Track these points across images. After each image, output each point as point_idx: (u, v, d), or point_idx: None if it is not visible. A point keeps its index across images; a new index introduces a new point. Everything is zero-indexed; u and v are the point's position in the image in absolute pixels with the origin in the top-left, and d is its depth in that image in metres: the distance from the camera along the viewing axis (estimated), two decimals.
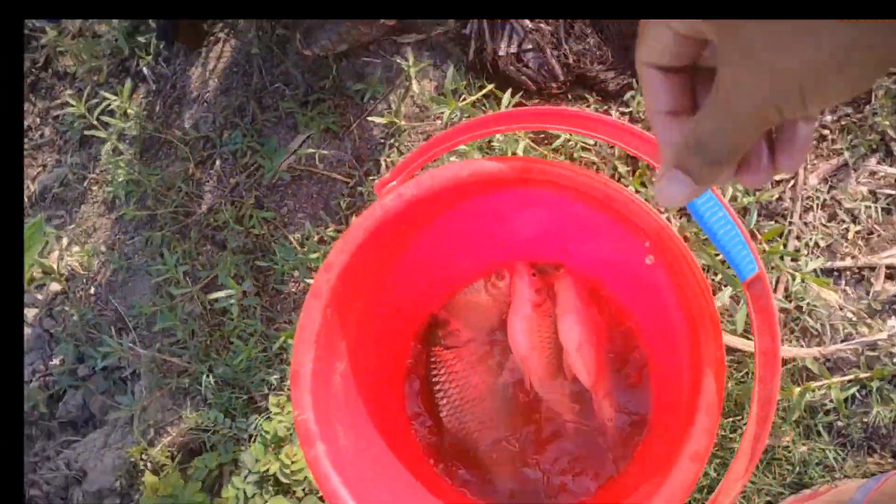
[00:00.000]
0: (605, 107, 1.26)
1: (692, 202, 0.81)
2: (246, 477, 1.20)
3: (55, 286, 1.42)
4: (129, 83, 1.50)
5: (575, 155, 1.22)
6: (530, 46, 1.25)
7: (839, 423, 1.10)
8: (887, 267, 1.13)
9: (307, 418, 0.85)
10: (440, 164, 1.17)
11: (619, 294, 1.09)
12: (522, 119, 0.86)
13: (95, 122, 1.43)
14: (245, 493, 1.18)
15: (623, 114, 1.24)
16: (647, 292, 0.96)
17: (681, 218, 1.19)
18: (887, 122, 1.15)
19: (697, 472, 0.78)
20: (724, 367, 0.81)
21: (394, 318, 1.08)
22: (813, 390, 1.08)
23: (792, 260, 1.14)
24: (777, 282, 1.14)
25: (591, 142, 1.22)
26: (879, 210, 1.14)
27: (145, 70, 1.54)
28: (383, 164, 1.32)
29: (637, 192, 1.19)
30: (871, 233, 1.15)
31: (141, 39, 1.54)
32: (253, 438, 1.27)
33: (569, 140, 1.22)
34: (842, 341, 1.11)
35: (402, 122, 1.31)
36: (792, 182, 1.18)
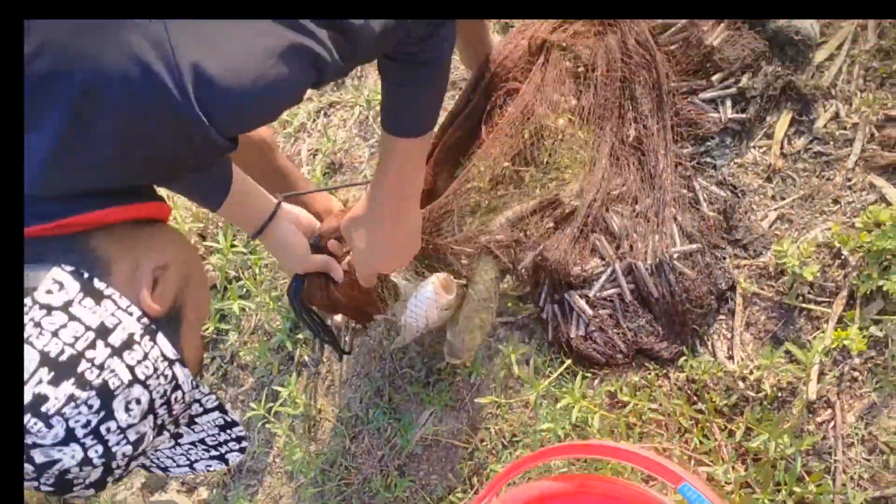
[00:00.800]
0: (664, 370, 1.52)
1: None
2: None
3: None
4: (294, 375, 1.91)
5: (643, 416, 1.47)
6: (594, 328, 1.54)
7: None
8: None
9: None
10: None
11: None
12: (575, 451, 1.15)
13: (272, 419, 1.84)
14: None
15: (678, 376, 1.49)
16: None
17: None
18: None
19: None
20: None
21: None
22: None
23: (841, 494, 1.33)
24: None
25: (655, 405, 1.47)
26: None
27: (306, 359, 1.95)
28: (493, 431, 1.62)
29: (700, 443, 1.43)
30: None
31: (300, 336, 1.96)
32: None
33: (637, 404, 1.48)
34: None
35: (502, 399, 1.62)
36: (832, 422, 1.38)
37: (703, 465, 1.43)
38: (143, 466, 1.00)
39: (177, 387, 0.89)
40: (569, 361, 1.57)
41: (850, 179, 1.50)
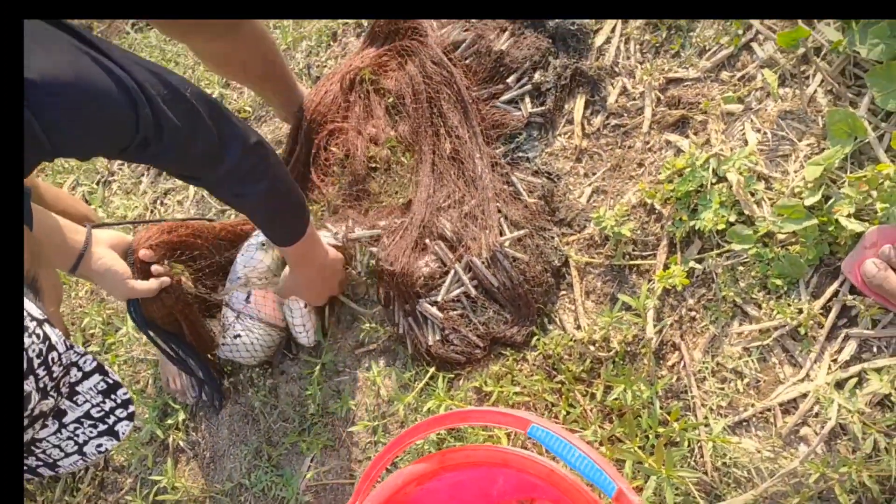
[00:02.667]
0: (521, 354, 1.55)
1: (556, 450, 1.08)
2: None
3: None
4: (170, 461, 1.84)
5: (510, 401, 1.49)
6: (449, 331, 1.57)
7: None
8: (780, 404, 1.36)
9: None
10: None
11: None
12: (423, 429, 1.15)
13: None
14: None
15: (535, 356, 1.53)
16: None
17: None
18: (732, 293, 1.42)
19: None
20: None
21: None
22: None
23: (704, 426, 1.37)
24: (700, 450, 1.37)
25: (518, 388, 1.50)
26: (756, 361, 1.39)
27: (181, 443, 1.88)
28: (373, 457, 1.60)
29: (567, 413, 1.46)
30: (758, 381, 1.38)
31: (170, 421, 1.90)
32: None
33: (502, 391, 1.50)
34: (769, 477, 1.32)
35: (377, 423, 1.61)
36: (681, 362, 1.44)
37: (574, 432, 1.45)
38: (31, 471, 0.95)
39: (51, 347, 0.86)
40: (432, 369, 1.58)
41: (647, 143, 1.61)
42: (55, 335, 0.87)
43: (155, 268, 1.54)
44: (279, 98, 1.89)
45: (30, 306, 0.87)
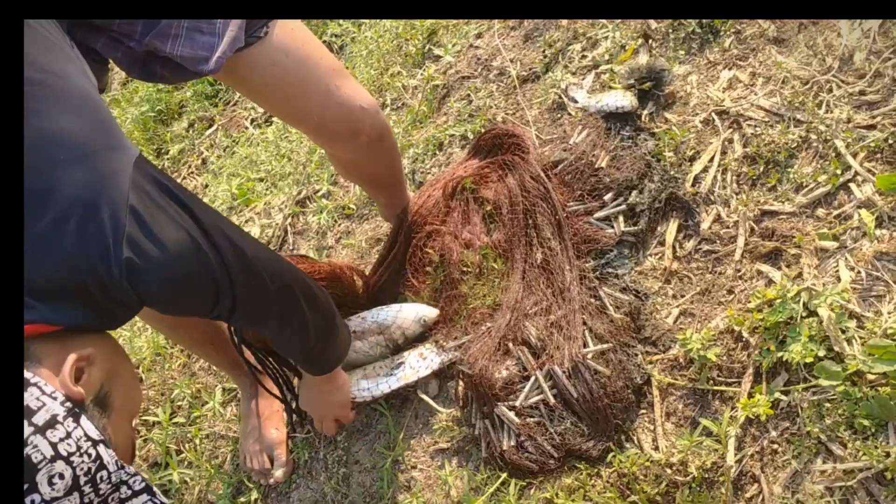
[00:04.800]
0: (595, 469, 1.54)
1: None
2: None
3: None
4: None
5: None
6: (524, 437, 1.58)
7: None
8: None
9: None
10: None
11: None
12: None
13: None
14: None
15: (610, 473, 1.52)
16: None
17: None
18: (817, 429, 1.39)
19: None
20: None
21: None
22: None
23: None
24: None
25: None
26: (838, 502, 1.34)
27: None
28: None
29: None
30: None
31: (242, 500, 1.94)
32: None
33: None
34: None
35: None
36: (760, 495, 1.40)
37: None
38: None
39: (101, 466, 0.94)
40: (504, 475, 1.59)
41: (739, 270, 1.63)
42: (108, 455, 0.95)
43: None
44: (388, 200, 2.00)
45: (88, 426, 0.95)
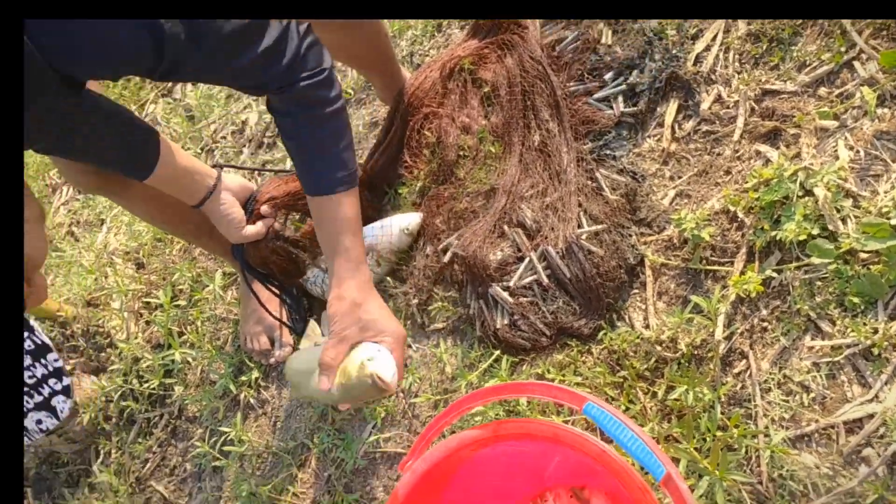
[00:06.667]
0: (587, 346, 1.57)
1: (609, 429, 1.10)
2: None
3: None
4: (240, 415, 1.92)
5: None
6: (518, 316, 1.60)
7: None
8: (844, 423, 1.33)
9: None
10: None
11: None
12: (482, 396, 1.19)
13: (218, 455, 1.85)
14: None
15: (601, 350, 1.55)
16: None
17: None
18: (807, 307, 1.40)
19: None
20: None
21: None
22: None
23: (764, 435, 1.36)
24: (757, 459, 1.36)
25: (580, 379, 1.52)
26: (824, 377, 1.37)
27: (252, 401, 1.97)
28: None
29: (626, 409, 1.47)
30: (824, 397, 1.37)
31: (244, 378, 1.98)
32: None
33: (563, 380, 1.52)
34: (825, 494, 1.30)
35: (439, 398, 1.65)
36: (748, 371, 1.43)
37: None
38: None
39: None
40: (497, 352, 1.62)
41: (737, 151, 1.61)
42: None
43: (264, 208, 1.67)
44: (383, 81, 1.97)
45: None
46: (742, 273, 1.48)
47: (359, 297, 1.33)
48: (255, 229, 1.66)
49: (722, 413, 1.40)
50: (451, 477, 1.28)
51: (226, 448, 1.87)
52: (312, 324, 1.63)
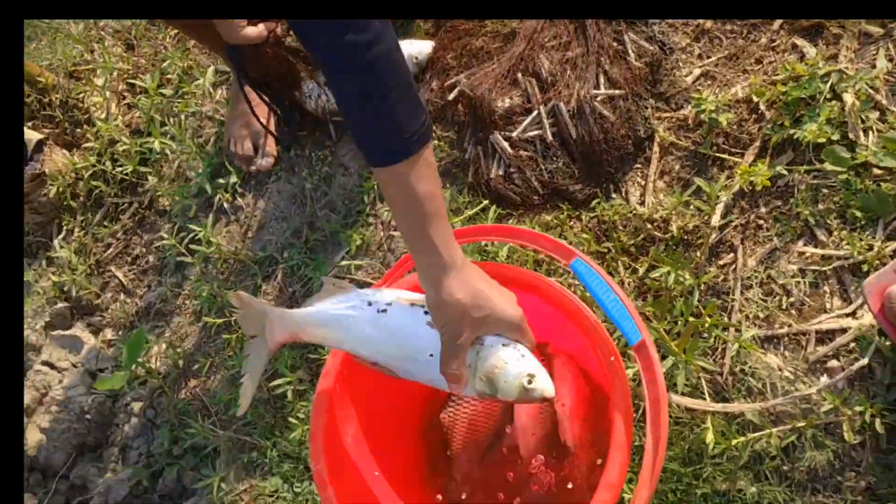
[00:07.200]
0: (577, 212, 1.53)
1: (593, 287, 1.08)
2: None
3: (154, 382, 1.78)
4: (212, 217, 1.88)
5: None
6: (514, 169, 1.55)
7: (784, 468, 1.29)
8: (817, 332, 1.33)
9: (321, 468, 1.14)
10: None
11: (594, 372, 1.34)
12: (469, 234, 1.15)
13: (185, 251, 1.82)
14: None
15: (590, 218, 1.51)
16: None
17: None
18: (807, 212, 1.37)
19: (612, 498, 1.01)
20: (630, 415, 1.05)
21: (402, 392, 1.36)
22: (758, 440, 1.28)
23: (735, 329, 1.36)
24: (724, 351, 1.36)
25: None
26: (808, 284, 1.36)
27: (225, 205, 1.92)
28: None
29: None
30: (803, 304, 1.36)
31: (221, 181, 1.93)
32: (308, 502, 1.55)
33: None
34: (782, 395, 1.31)
35: None
36: (733, 265, 1.41)
37: None
38: None
39: None
40: (486, 202, 1.58)
41: (773, 41, 1.53)
42: None
43: None
44: None
45: None
46: (752, 165, 1.44)
47: (465, 297, 1.04)
48: (255, 31, 1.58)
49: (699, 301, 1.39)
50: None
51: (192, 247, 1.84)
52: (326, 282, 1.22)
